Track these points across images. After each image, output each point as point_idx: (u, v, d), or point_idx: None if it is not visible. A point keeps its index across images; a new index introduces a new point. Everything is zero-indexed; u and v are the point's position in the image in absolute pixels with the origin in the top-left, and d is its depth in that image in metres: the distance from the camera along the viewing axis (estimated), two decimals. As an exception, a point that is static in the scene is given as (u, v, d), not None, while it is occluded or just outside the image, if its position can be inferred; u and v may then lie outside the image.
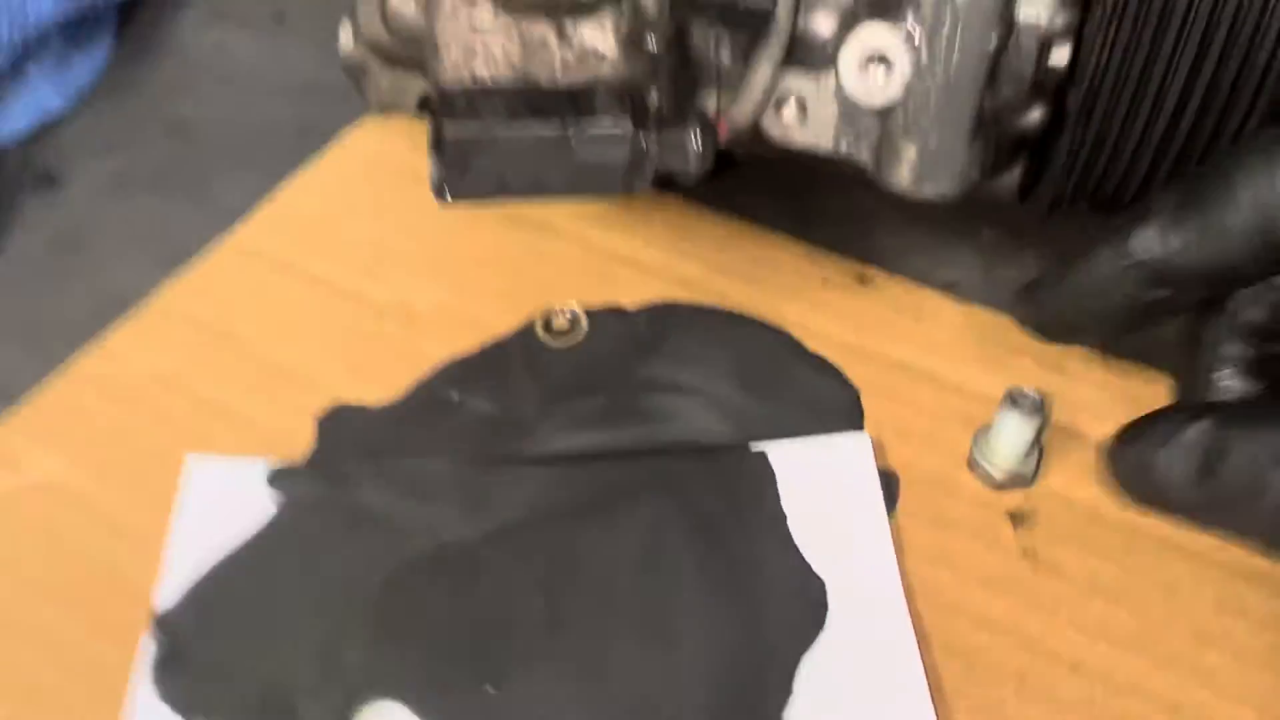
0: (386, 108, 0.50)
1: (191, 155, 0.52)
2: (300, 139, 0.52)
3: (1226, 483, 0.29)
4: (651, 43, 0.31)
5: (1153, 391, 0.38)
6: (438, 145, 0.33)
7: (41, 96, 0.53)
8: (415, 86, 0.48)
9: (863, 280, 0.43)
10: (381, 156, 0.49)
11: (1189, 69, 0.33)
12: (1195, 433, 0.29)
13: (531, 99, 0.32)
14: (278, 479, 0.37)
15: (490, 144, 0.32)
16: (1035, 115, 0.36)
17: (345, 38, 0.47)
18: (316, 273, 0.44)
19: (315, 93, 0.54)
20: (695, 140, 0.33)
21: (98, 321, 0.44)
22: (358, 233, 0.46)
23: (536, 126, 0.32)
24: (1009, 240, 0.46)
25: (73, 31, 0.55)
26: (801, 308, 0.42)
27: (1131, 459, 0.31)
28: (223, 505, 0.36)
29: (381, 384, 0.40)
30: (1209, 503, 0.29)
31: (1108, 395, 0.39)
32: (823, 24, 0.34)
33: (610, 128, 0.32)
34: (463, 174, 0.32)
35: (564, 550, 0.35)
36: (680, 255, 0.44)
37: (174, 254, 0.47)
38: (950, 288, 0.44)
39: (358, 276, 0.44)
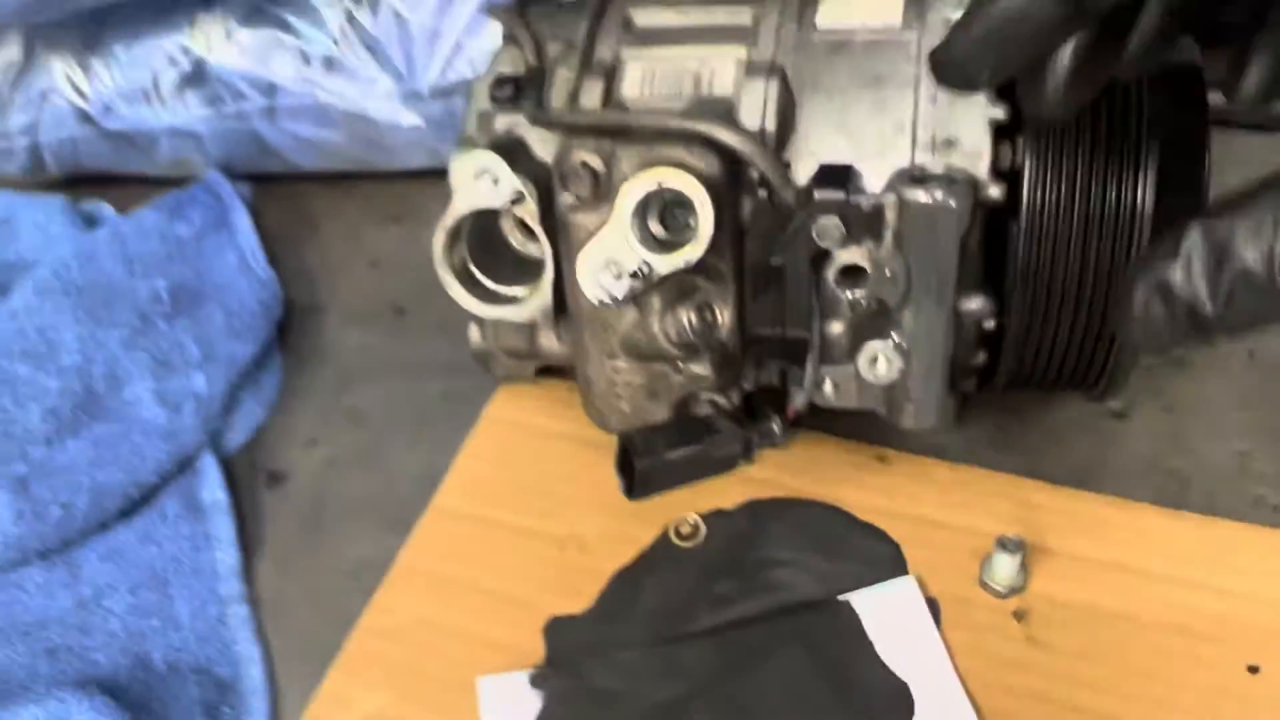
0: (510, 379, 0.69)
1: (373, 436, 0.71)
2: (449, 407, 0.71)
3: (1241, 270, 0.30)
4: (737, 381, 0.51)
5: (1100, 512, 0.58)
6: (623, 468, 0.52)
7: (250, 410, 0.72)
8: (530, 364, 0.67)
9: (882, 460, 0.63)
10: (521, 420, 0.68)
11: (1076, 283, 0.52)
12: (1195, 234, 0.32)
13: (681, 431, 0.52)
14: (536, 681, 0.55)
15: (660, 466, 0.51)
16: (980, 356, 0.56)
17: (475, 335, 0.66)
18: (504, 520, 0.63)
19: (447, 369, 0.73)
20: (777, 426, 0.53)
21: (356, 583, 0.63)
22: (526, 484, 0.64)
23: (686, 449, 0.52)
24: (975, 406, 0.65)
25: (259, 356, 0.73)
26: (844, 487, 0.61)
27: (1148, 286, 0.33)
28: (511, 709, 0.54)
29: (578, 597, 0.59)
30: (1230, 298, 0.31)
31: (1066, 518, 0.59)
32: (840, 334, 0.54)
33: (730, 440, 0.52)
34: (643, 483, 0.51)
35: (739, 696, 0.53)
36: (757, 464, 0.63)
37: (391, 518, 0.65)
38: (939, 451, 0.63)
39: (536, 518, 0.63)
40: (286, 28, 0.77)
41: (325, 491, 0.68)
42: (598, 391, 0.56)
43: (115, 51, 0.80)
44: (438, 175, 0.83)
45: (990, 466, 0.62)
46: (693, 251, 0.48)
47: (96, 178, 0.89)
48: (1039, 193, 0.51)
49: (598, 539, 0.61)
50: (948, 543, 0.58)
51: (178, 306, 0.71)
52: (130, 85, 0.80)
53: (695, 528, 0.61)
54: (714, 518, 0.61)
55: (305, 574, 0.64)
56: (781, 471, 0.63)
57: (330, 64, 0.78)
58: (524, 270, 0.59)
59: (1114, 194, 0.51)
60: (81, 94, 0.81)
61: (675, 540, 0.60)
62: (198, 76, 0.79)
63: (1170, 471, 0.61)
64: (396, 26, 0.76)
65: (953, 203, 0.48)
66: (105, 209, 0.86)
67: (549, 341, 0.61)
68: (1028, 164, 0.51)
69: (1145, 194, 0.51)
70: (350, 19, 0.76)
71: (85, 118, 0.82)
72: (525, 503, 0.64)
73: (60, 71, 0.81)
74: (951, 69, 0.38)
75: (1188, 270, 0.33)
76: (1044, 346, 0.55)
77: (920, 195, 0.48)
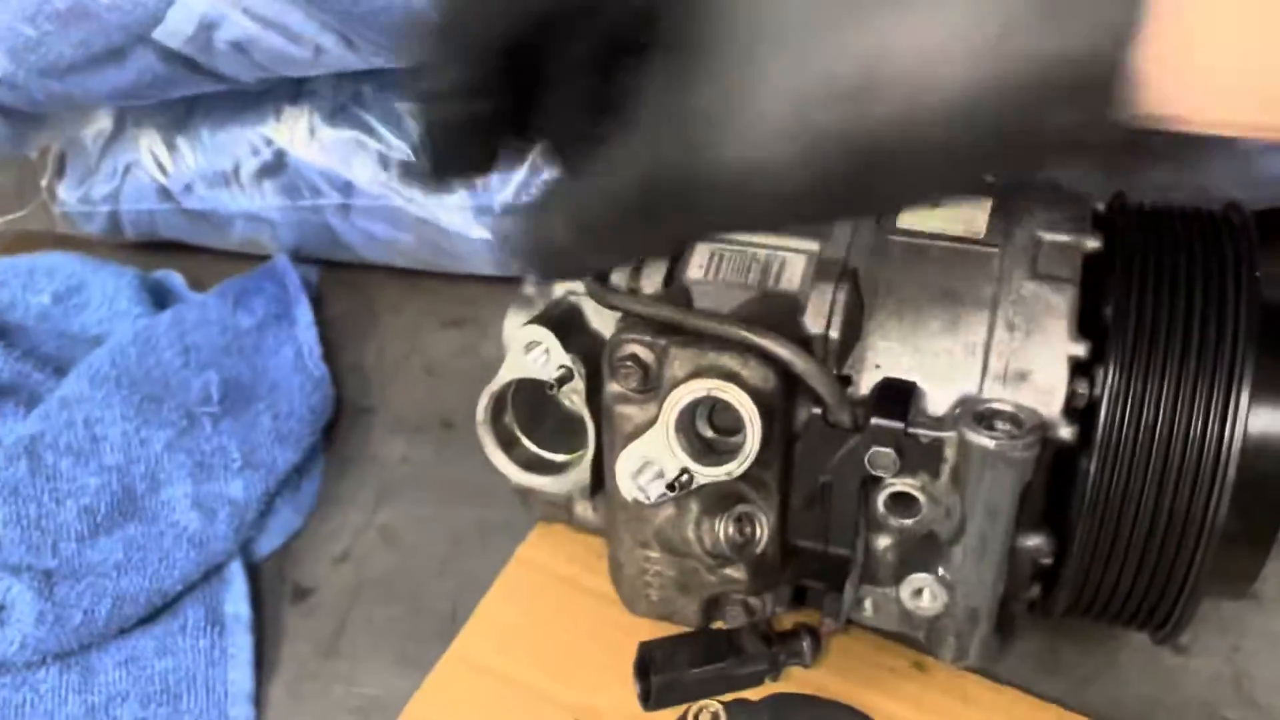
0: (548, 519, 0.67)
1: (404, 559, 0.70)
2: (483, 538, 0.70)
3: None
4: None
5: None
6: (641, 674, 0.50)
7: (285, 518, 0.71)
8: (566, 512, 0.65)
9: (919, 667, 0.60)
10: (552, 567, 0.66)
11: (1147, 528, 0.49)
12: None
13: (706, 646, 0.49)
14: None
15: (679, 682, 0.49)
16: (1034, 590, 0.52)
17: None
18: (521, 679, 0.61)
19: (486, 495, 0.71)
20: (808, 645, 0.50)
21: (362, 718, 0.61)
22: (548, 641, 0.62)
23: (710, 668, 0.49)
24: (1020, 619, 0.62)
25: (300, 463, 0.73)
26: (876, 694, 0.58)
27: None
28: None
29: (584, 779, 0.57)
30: None
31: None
32: (885, 556, 0.51)
33: (756, 659, 0.49)
34: (659, 699, 0.49)
35: None
36: (786, 654, 0.61)
37: (408, 654, 0.64)
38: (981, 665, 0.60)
39: (554, 683, 0.61)
40: (368, 130, 0.77)
41: (348, 614, 0.67)
42: (627, 576, 0.54)
43: (201, 134, 0.81)
44: (502, 282, 0.84)
45: (1036, 690, 0.58)
46: (736, 467, 0.46)
47: (171, 245, 0.91)
48: (1114, 434, 0.48)
49: (613, 713, 0.59)
50: (979, 774, 0.55)
51: (226, 406, 0.70)
52: (211, 168, 0.81)
53: (716, 718, 0.58)
54: (736, 707, 0.58)
55: (316, 704, 0.63)
56: (812, 667, 0.60)
57: (408, 170, 0.77)
58: (570, 430, 0.58)
59: (1196, 442, 0.48)
60: (164, 171, 0.82)
61: (693, 729, 0.58)
62: (277, 167, 0.79)
63: (1229, 723, 0.57)
64: (477, 141, 0.75)
65: (1015, 454, 0.45)
66: (175, 279, 0.86)
67: (584, 511, 0.59)
68: (1104, 402, 0.48)
69: (1231, 446, 0.47)
70: (432, 129, 0.76)
71: (165, 194, 0.83)
72: (544, 661, 0.62)
73: (146, 147, 0.82)
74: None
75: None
76: (1105, 586, 0.51)
77: (983, 440, 0.45)
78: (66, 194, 0.86)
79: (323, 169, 0.78)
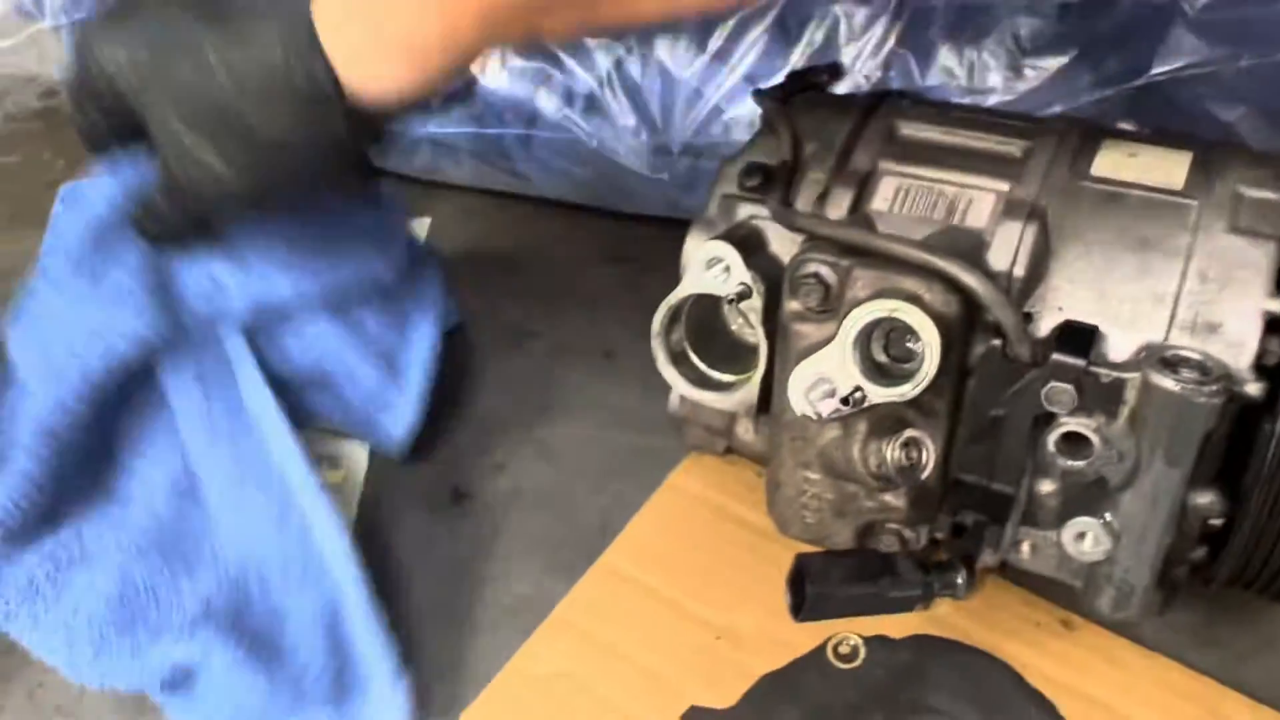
0: (700, 449, 0.69)
1: (559, 475, 0.72)
2: (637, 462, 0.72)
3: None
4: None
5: None
6: (794, 586, 0.51)
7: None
8: (722, 440, 0.66)
9: (1066, 625, 0.59)
10: (701, 497, 0.68)
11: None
12: None
13: (861, 565, 0.50)
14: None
15: (832, 597, 0.50)
16: (1200, 553, 0.51)
17: (675, 401, 0.66)
18: (666, 594, 0.63)
19: (641, 423, 0.73)
20: (963, 578, 0.51)
21: (514, 619, 0.64)
22: (694, 562, 0.64)
23: (861, 586, 0.50)
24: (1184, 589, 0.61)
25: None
26: (1020, 645, 0.58)
27: None
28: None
29: (722, 689, 0.58)
30: None
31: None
32: (1049, 499, 0.51)
33: (909, 583, 0.50)
34: (812, 609, 0.50)
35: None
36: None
37: (559, 562, 0.66)
38: (1132, 630, 0.59)
39: (697, 602, 0.62)
40: (557, 63, 0.80)
41: (502, 521, 0.70)
42: (784, 496, 0.55)
43: (398, 59, 0.84)
44: (669, 224, 0.85)
45: (1187, 661, 0.57)
46: (912, 389, 0.47)
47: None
48: (1304, 397, 0.47)
49: (754, 635, 0.60)
50: (1123, 738, 0.55)
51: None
52: (405, 92, 0.85)
53: (855, 650, 0.59)
54: (876, 643, 0.59)
55: (471, 603, 0.66)
56: (956, 611, 0.60)
57: (591, 105, 0.79)
58: (736, 355, 0.59)
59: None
60: (361, 92, 0.86)
61: (832, 659, 0.59)
62: (467, 94, 0.83)
63: (1395, 716, 0.55)
64: (660, 81, 0.77)
65: (1203, 399, 0.44)
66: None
67: (745, 432, 0.60)
68: (1298, 363, 0.47)
69: None
70: (619, 65, 0.78)
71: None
72: (689, 582, 0.63)
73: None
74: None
75: None
76: (1275, 557, 0.50)
77: (1169, 382, 0.45)
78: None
79: (510, 98, 0.81)
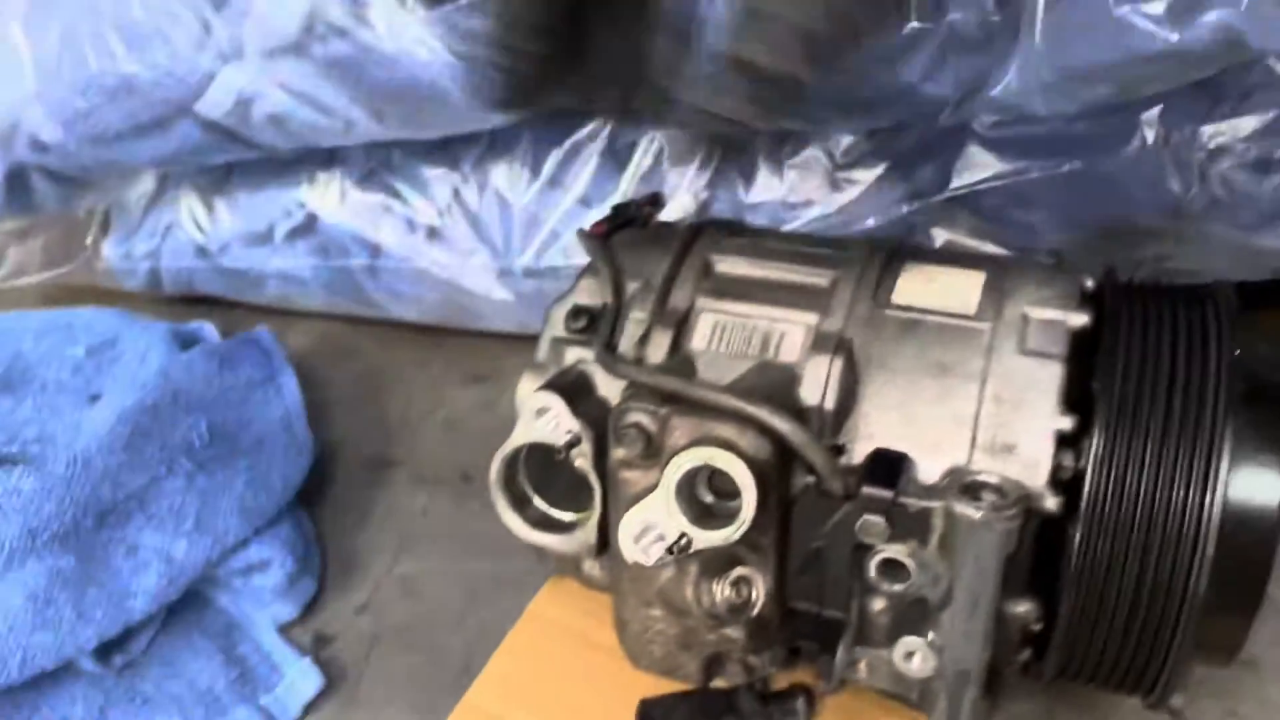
0: (562, 573, 0.69)
1: (422, 611, 0.72)
2: (499, 591, 0.72)
3: None
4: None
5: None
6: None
7: (305, 586, 0.73)
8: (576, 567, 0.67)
9: (918, 726, 0.61)
10: (563, 624, 0.68)
11: (1131, 596, 0.50)
12: None
13: (703, 707, 0.51)
14: None
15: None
16: (1024, 654, 0.54)
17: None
18: (532, 734, 0.63)
19: (503, 547, 0.73)
20: (802, 706, 0.52)
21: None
22: (558, 694, 0.64)
23: (707, 730, 0.51)
24: (1022, 683, 0.63)
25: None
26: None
27: None
28: None
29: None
30: None
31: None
32: (879, 619, 0.53)
33: (753, 718, 0.51)
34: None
35: None
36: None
37: (421, 706, 0.66)
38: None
39: (563, 739, 0.63)
40: (396, 195, 0.81)
41: (366, 664, 0.69)
42: (631, 633, 0.56)
43: (238, 197, 0.85)
44: (524, 340, 0.86)
45: (1032, 751, 0.60)
46: (734, 532, 0.48)
47: (208, 299, 0.94)
48: (1099, 507, 0.50)
49: (619, 768, 0.61)
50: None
51: (211, 454, 0.71)
52: (247, 229, 0.85)
53: (719, 771, 0.60)
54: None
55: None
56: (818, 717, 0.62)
57: (433, 234, 0.81)
58: (581, 491, 0.60)
59: (1178, 514, 0.49)
60: (202, 230, 0.86)
61: (696, 782, 0.60)
62: (309, 229, 0.83)
63: (1222, 789, 0.58)
64: (499, 207, 0.79)
65: (999, 525, 0.47)
66: (208, 330, 0.90)
67: (593, 569, 0.61)
68: (1089, 475, 0.50)
69: (1211, 518, 0.49)
70: (456, 195, 0.79)
71: (203, 252, 0.87)
72: (553, 714, 0.64)
73: (186, 208, 0.86)
74: None
75: None
76: (1093, 652, 0.53)
77: (968, 510, 0.47)
78: (110, 250, 0.90)
79: (352, 231, 0.82)
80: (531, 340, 0.66)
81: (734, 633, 0.53)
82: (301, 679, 0.67)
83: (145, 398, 0.70)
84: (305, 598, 0.72)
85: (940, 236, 0.72)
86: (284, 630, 0.71)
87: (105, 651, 0.67)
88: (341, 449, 0.83)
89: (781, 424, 0.49)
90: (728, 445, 0.49)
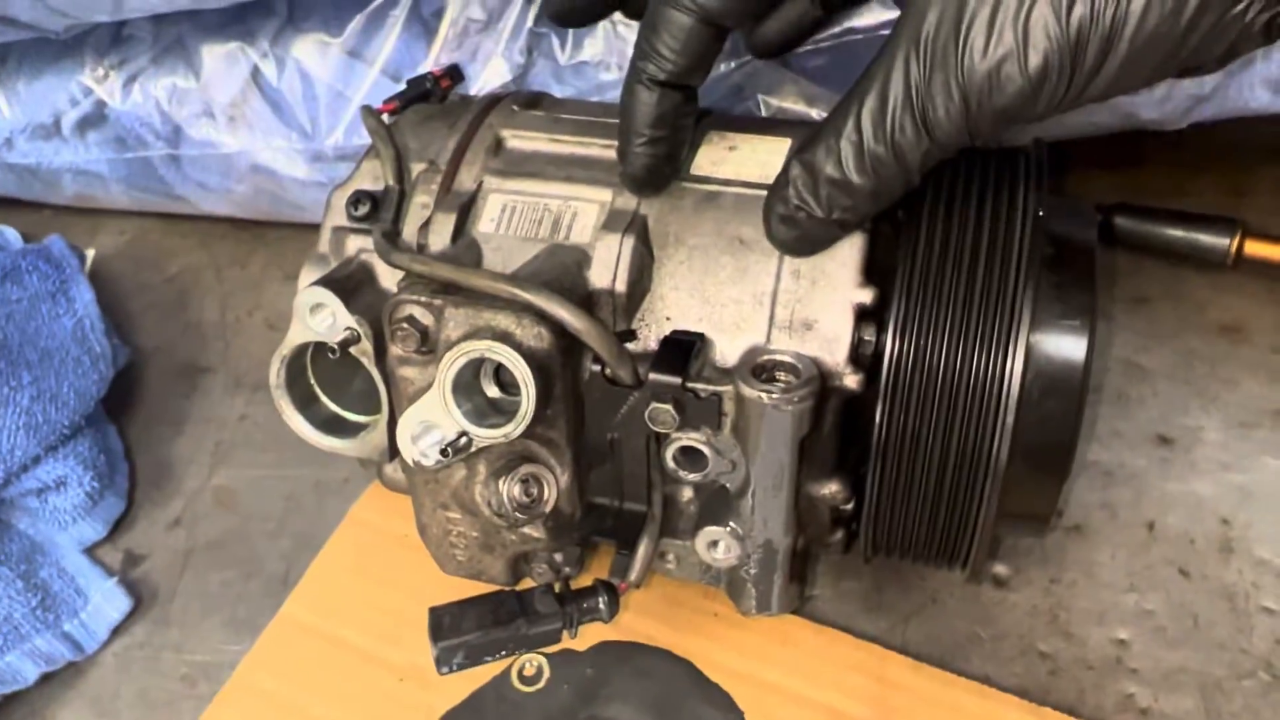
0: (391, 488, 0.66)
1: (238, 522, 0.68)
2: (319, 498, 0.68)
3: None
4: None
5: (959, 699, 0.55)
6: (435, 638, 0.49)
7: (110, 504, 0.68)
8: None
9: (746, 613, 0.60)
10: (383, 529, 0.65)
11: (936, 470, 0.48)
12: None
13: (494, 609, 0.49)
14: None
15: (465, 645, 0.48)
16: (837, 535, 0.52)
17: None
18: (349, 640, 0.60)
19: (324, 454, 0.69)
20: (604, 602, 0.50)
21: (192, 689, 0.61)
22: (377, 600, 0.62)
23: (498, 631, 0.49)
24: (851, 560, 0.62)
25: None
26: (699, 639, 0.58)
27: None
28: None
29: (407, 735, 0.57)
30: None
31: (923, 702, 0.55)
32: (682, 509, 0.50)
33: (549, 619, 0.49)
34: (445, 663, 0.48)
35: None
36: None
37: (239, 619, 0.63)
38: (808, 604, 0.60)
39: (382, 643, 0.60)
40: (190, 76, 0.74)
41: (178, 582, 0.66)
42: (432, 537, 0.53)
43: (17, 87, 0.77)
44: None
45: (859, 629, 0.59)
46: (514, 428, 0.45)
47: (7, 200, 0.87)
48: (899, 377, 0.47)
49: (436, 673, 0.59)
50: (796, 716, 0.56)
51: None
52: (30, 121, 0.77)
53: (539, 670, 0.58)
54: (559, 659, 0.58)
55: (143, 674, 0.62)
56: (640, 616, 0.60)
57: (234, 117, 0.74)
58: (372, 395, 0.56)
59: (980, 381, 0.47)
60: (-18, 126, 0.78)
61: (516, 683, 0.58)
62: (99, 118, 0.76)
63: (1043, 655, 0.58)
64: (302, 84, 0.72)
65: (788, 408, 0.44)
66: (8, 234, 0.83)
67: (394, 472, 0.58)
68: (889, 346, 0.47)
69: (1013, 372, 0.47)
70: (256, 73, 0.73)
71: (-14, 149, 0.79)
72: (373, 621, 0.61)
73: (-39, 102, 0.78)
74: (641, 185, 0.50)
75: (796, 190, 0.46)
76: (904, 529, 0.51)
77: (757, 393, 0.44)
78: (-115, 151, 0.82)
79: (145, 118, 0.75)
80: (357, 230, 0.61)
81: (534, 531, 0.50)
82: (107, 601, 0.64)
83: None
84: (112, 516, 0.68)
85: (771, 104, 0.68)
86: (92, 551, 0.67)
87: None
88: (154, 357, 0.78)
89: (560, 310, 0.45)
90: (504, 336, 0.45)
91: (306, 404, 0.55)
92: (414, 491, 0.52)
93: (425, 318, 0.47)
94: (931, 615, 0.60)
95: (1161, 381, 0.68)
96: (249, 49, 0.73)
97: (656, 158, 0.49)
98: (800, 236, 0.47)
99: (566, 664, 0.58)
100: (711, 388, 0.46)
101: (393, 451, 0.53)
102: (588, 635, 0.59)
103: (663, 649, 0.58)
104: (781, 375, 0.46)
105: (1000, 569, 0.61)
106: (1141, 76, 0.42)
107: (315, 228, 0.81)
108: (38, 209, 0.88)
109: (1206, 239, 0.71)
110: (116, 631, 0.64)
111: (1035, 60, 0.41)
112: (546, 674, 0.58)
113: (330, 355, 0.51)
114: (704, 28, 0.47)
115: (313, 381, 0.55)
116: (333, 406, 0.55)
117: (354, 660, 0.60)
